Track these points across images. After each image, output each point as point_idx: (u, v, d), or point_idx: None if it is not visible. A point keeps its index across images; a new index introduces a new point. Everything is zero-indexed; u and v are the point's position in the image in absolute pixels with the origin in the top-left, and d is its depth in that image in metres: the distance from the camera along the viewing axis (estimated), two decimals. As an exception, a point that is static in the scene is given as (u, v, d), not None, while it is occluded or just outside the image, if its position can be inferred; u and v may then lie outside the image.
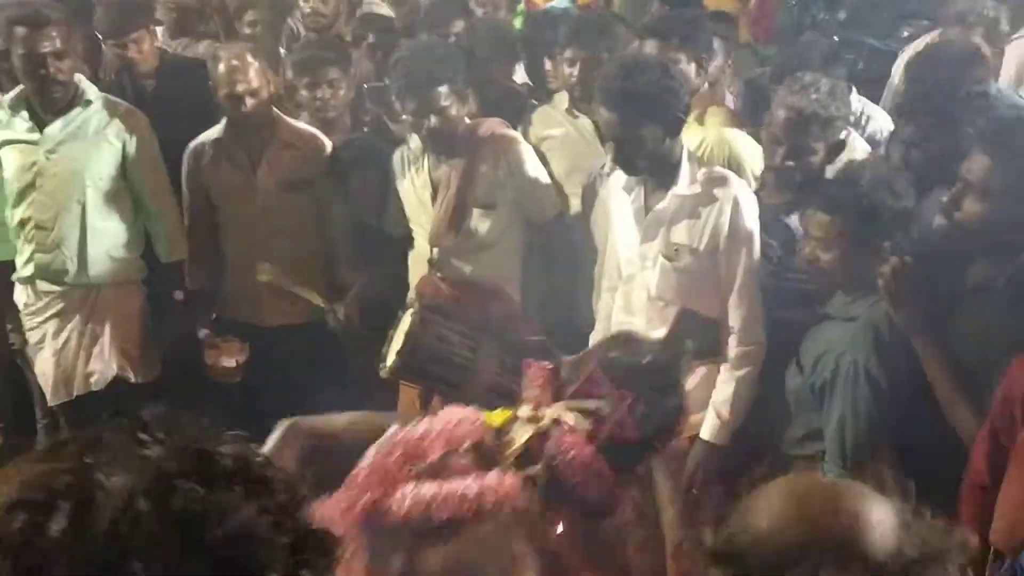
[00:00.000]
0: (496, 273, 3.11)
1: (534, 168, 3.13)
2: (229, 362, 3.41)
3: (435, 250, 3.12)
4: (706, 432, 2.65)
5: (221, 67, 3.23)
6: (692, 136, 2.89)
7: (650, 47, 3.10)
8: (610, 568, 1.69)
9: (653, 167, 2.60)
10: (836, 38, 3.94)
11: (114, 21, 3.75)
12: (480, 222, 3.10)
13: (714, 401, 2.64)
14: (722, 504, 2.59)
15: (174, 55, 4.12)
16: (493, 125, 3.14)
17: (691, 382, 2.68)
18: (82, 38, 3.49)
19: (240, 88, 3.19)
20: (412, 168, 3.18)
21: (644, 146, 2.52)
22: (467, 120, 3.09)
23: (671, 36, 3.10)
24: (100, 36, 3.89)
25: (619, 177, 2.76)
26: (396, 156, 3.25)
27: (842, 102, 2.69)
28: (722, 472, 2.63)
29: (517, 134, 3.18)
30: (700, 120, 3.10)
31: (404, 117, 3.08)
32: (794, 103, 2.61)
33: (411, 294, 3.12)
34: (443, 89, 2.92)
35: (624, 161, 2.60)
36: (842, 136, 2.72)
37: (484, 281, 3.10)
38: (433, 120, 2.94)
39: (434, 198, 3.12)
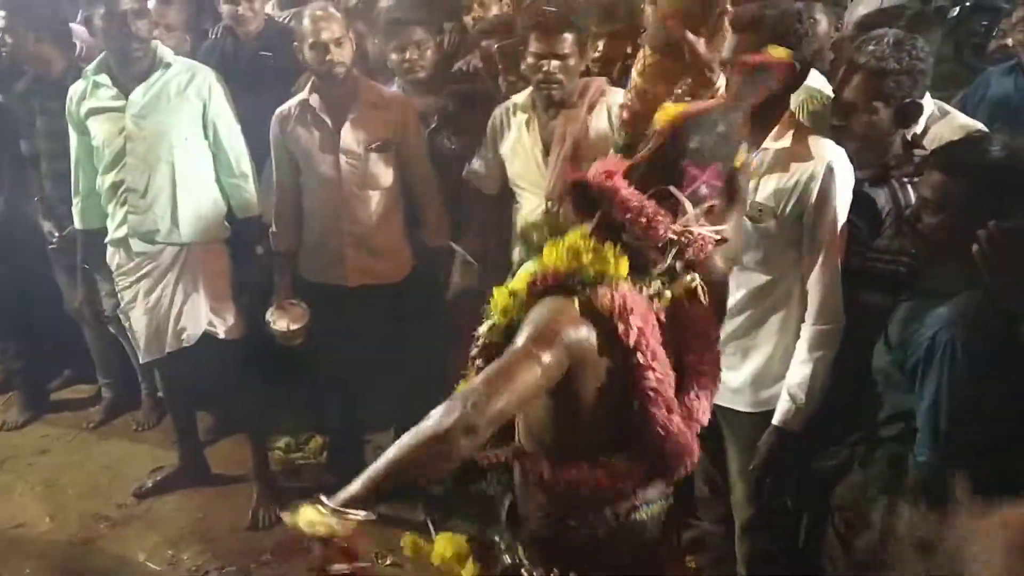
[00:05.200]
0: None
1: None
2: (281, 325, 3.43)
3: (551, 204, 3.08)
4: (778, 417, 2.46)
5: (306, 20, 3.28)
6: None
7: None
8: None
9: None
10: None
11: None
12: None
13: (788, 384, 2.45)
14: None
15: (277, 23, 4.14)
16: (600, 84, 3.12)
17: (758, 358, 2.53)
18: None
19: (324, 36, 3.23)
20: (520, 127, 3.16)
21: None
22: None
23: None
24: None
25: None
26: (496, 114, 3.24)
27: (914, 53, 2.38)
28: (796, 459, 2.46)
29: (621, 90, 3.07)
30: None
31: (524, 69, 3.08)
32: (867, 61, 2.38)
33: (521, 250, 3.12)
34: (568, 36, 2.96)
35: None
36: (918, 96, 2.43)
37: None
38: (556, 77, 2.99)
39: (545, 154, 3.09)
